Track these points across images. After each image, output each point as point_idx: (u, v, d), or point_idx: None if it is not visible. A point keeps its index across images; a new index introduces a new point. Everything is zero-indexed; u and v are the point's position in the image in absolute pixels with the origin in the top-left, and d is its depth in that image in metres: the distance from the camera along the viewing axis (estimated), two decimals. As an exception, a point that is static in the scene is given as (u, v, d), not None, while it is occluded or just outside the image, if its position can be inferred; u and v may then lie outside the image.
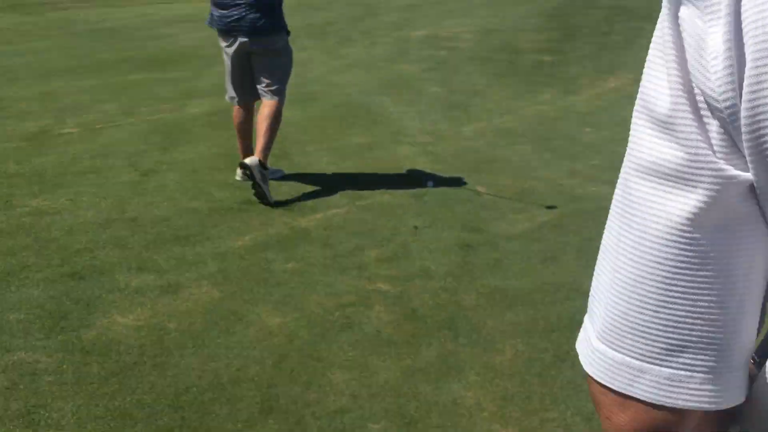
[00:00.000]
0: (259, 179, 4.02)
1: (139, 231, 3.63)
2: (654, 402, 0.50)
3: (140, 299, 2.91)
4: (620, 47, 9.21)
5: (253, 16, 4.27)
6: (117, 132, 5.72)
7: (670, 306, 0.49)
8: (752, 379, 0.51)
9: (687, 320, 0.48)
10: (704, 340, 0.48)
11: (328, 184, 4.52)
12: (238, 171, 4.55)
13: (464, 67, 8.66)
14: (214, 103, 6.85)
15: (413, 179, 4.59)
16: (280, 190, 4.35)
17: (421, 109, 6.74)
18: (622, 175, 0.55)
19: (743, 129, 0.44)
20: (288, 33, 4.45)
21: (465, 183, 4.52)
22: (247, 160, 4.08)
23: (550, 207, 4.01)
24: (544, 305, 2.89)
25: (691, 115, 0.48)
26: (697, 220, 0.47)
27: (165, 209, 3.97)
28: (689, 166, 0.48)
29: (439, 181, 4.53)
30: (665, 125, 0.50)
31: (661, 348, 0.49)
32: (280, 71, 4.47)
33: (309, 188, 4.44)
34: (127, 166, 4.76)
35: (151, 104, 6.82)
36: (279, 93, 4.42)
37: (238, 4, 4.24)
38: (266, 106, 4.38)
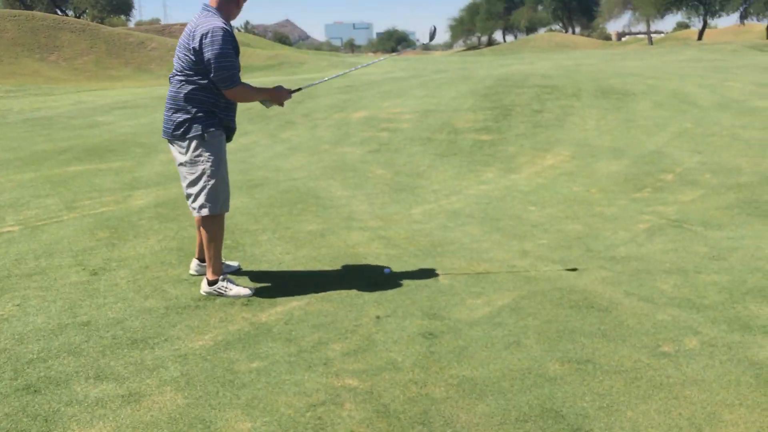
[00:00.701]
0: (222, 294, 4.06)
1: (93, 336, 3.51)
2: None
3: (101, 411, 2.79)
4: (553, 125, 9.62)
5: (166, 114, 4.04)
6: (61, 228, 5.58)
7: None
8: None
9: None
10: None
11: (285, 275, 4.50)
12: (192, 264, 4.49)
13: (406, 148, 8.87)
14: (160, 194, 6.80)
15: (369, 266, 4.62)
16: (236, 283, 4.30)
17: (369, 192, 6.85)
18: None
19: None
20: (205, 135, 3.94)
21: (421, 268, 4.57)
22: (201, 290, 4.09)
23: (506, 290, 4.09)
24: (513, 394, 2.91)
25: None
26: None
27: (119, 310, 3.86)
28: None
29: (395, 267, 4.57)
30: None
31: None
32: (195, 186, 4.03)
33: (266, 280, 4.41)
34: (74, 266, 4.63)
35: (93, 197, 6.71)
36: (201, 208, 4.03)
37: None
38: (200, 220, 4.14)
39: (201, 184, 4.00)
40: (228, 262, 4.58)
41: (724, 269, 4.41)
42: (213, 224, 4.07)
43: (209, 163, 3.98)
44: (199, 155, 3.97)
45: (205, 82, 3.91)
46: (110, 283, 4.30)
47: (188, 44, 3.86)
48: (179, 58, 3.95)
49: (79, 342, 3.44)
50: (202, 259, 4.46)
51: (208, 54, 3.80)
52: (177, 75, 3.97)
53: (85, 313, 3.81)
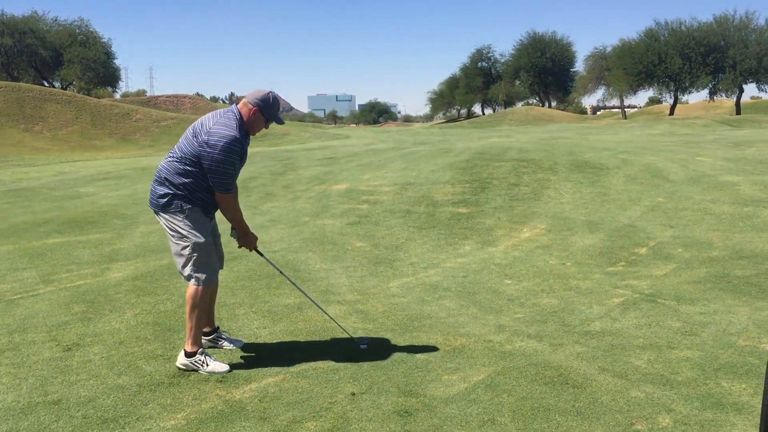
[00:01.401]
0: (198, 369, 4.04)
1: (63, 415, 3.46)
2: None
3: (68, 495, 2.74)
4: (530, 198, 9.81)
5: (153, 184, 4.19)
6: (36, 302, 5.54)
7: None
8: None
9: None
10: None
11: (261, 350, 4.49)
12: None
13: (386, 220, 8.97)
14: (139, 267, 6.79)
15: (345, 341, 4.62)
16: (214, 357, 4.27)
17: (348, 265, 6.89)
18: None
19: None
20: (185, 210, 4.03)
21: (397, 343, 4.58)
22: (178, 362, 4.09)
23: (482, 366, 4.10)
24: (488, 473, 2.90)
25: None
26: None
27: (91, 388, 3.81)
28: None
29: (372, 342, 4.57)
30: None
31: None
32: (181, 257, 4.10)
33: (242, 355, 4.39)
34: (48, 341, 4.59)
35: (71, 270, 6.68)
36: (188, 278, 4.12)
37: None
38: (187, 288, 4.18)
39: (187, 255, 4.08)
40: (233, 338, 4.61)
41: (697, 345, 4.47)
42: (196, 294, 4.09)
43: (193, 236, 4.06)
44: (183, 228, 4.06)
45: (200, 174, 4.04)
46: (84, 359, 4.26)
47: (200, 137, 3.98)
48: (187, 143, 4.06)
49: (48, 422, 3.39)
50: (206, 333, 4.48)
51: (214, 156, 3.93)
52: (177, 154, 4.08)
53: (56, 391, 3.76)
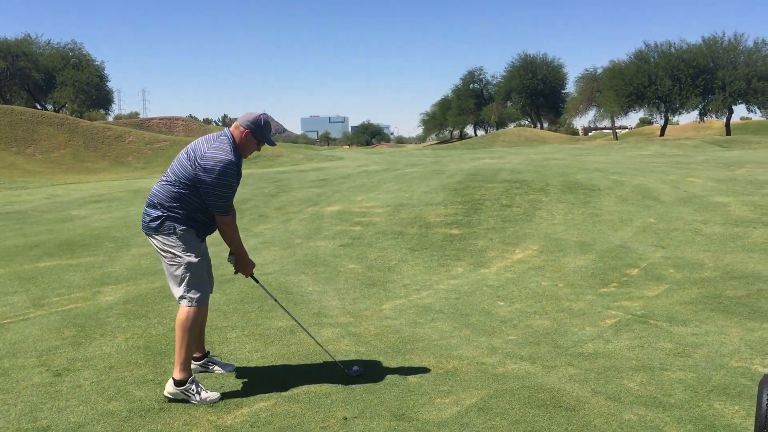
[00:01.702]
0: (188, 399, 3.98)
1: (52, 441, 3.43)
2: None
3: None
4: (522, 219, 9.84)
5: (146, 208, 4.18)
6: (26, 327, 5.50)
7: None
8: None
9: None
10: None
11: (253, 374, 4.46)
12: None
13: (378, 242, 8.97)
14: (130, 290, 6.77)
15: (338, 364, 4.60)
16: (204, 383, 4.25)
17: (340, 287, 6.88)
18: None
19: None
20: (178, 231, 4.05)
21: (390, 366, 4.56)
22: (166, 391, 4.02)
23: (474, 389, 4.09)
24: (481, 498, 2.88)
25: None
26: None
27: (80, 414, 3.78)
28: None
29: (364, 366, 4.56)
30: None
31: None
32: (174, 278, 4.11)
33: (233, 379, 4.36)
34: (38, 366, 4.55)
35: (62, 293, 6.65)
36: (181, 299, 4.09)
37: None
38: (179, 310, 4.15)
39: (180, 275, 4.06)
40: (224, 362, 4.58)
41: (689, 366, 4.47)
42: (189, 316, 4.06)
43: (186, 256, 4.06)
44: (176, 248, 4.06)
45: (193, 196, 4.05)
46: (74, 384, 4.23)
47: (195, 162, 3.99)
48: (181, 166, 4.06)
49: (37, 448, 3.36)
50: (197, 357, 4.44)
51: (211, 180, 3.95)
52: (170, 178, 4.08)
53: (45, 417, 3.72)
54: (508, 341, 5.10)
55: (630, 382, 4.22)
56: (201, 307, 4.14)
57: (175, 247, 4.05)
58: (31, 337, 5.21)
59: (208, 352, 4.59)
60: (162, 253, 4.10)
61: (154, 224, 4.07)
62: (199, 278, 4.11)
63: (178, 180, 4.03)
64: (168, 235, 4.06)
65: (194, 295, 4.08)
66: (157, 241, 4.10)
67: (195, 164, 3.99)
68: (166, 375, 4.35)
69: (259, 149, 4.31)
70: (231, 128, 4.19)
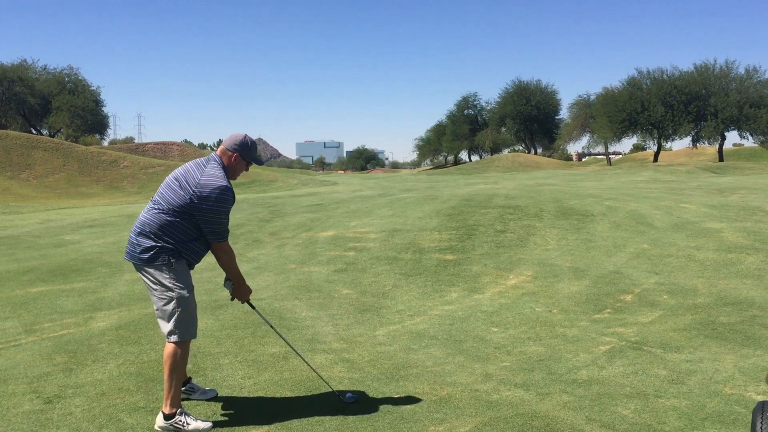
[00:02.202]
0: (179, 430, 3.93)
1: (42, 470, 3.39)
2: None
3: None
4: (516, 245, 9.85)
5: (134, 237, 4.11)
6: (17, 353, 5.46)
7: None
8: None
9: None
10: None
11: (245, 402, 4.43)
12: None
13: (372, 267, 8.96)
14: (123, 315, 6.74)
15: (332, 391, 4.57)
16: (195, 411, 4.22)
17: (334, 312, 6.86)
18: None
19: None
20: (172, 262, 4.02)
21: (383, 393, 4.54)
22: (156, 425, 3.95)
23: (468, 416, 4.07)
24: None
25: None
26: None
27: (71, 441, 3.74)
28: None
29: (358, 393, 4.53)
30: None
31: None
32: (165, 312, 4.05)
33: (226, 407, 4.33)
34: (28, 393, 4.51)
35: (54, 319, 6.61)
36: (170, 335, 4.03)
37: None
38: (165, 346, 4.09)
39: (170, 310, 4.01)
40: (206, 389, 4.53)
41: (683, 393, 4.46)
42: (177, 352, 4.01)
43: (178, 290, 4.01)
44: (169, 281, 4.01)
45: (188, 225, 4.01)
46: (64, 412, 4.19)
47: (188, 188, 3.98)
48: (174, 194, 4.02)
49: (26, 477, 3.32)
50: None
51: (209, 208, 3.96)
52: (163, 206, 4.03)
53: (35, 445, 3.68)
54: (502, 368, 5.08)
55: (624, 409, 4.20)
56: (188, 342, 4.10)
57: (168, 280, 4.01)
58: (22, 364, 5.17)
59: (190, 378, 4.53)
60: (153, 286, 4.03)
61: (145, 255, 4.00)
62: (189, 313, 4.07)
63: (171, 208, 4.00)
64: (161, 267, 4.00)
65: (184, 331, 4.03)
66: (149, 274, 4.03)
67: (190, 192, 3.97)
68: (158, 402, 4.31)
69: (247, 170, 4.34)
70: (218, 153, 4.20)
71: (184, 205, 3.98)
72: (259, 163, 4.40)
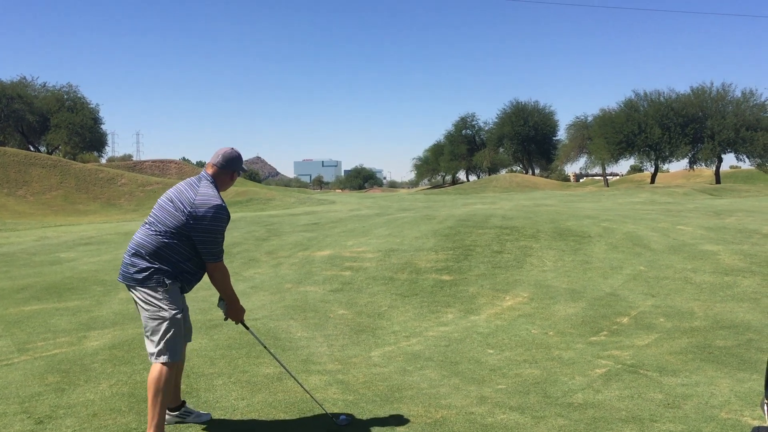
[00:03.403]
0: None
1: (31, 492, 3.35)
2: None
3: None
4: (512, 266, 9.84)
5: (129, 258, 4.10)
6: (9, 372, 5.42)
7: None
8: None
9: None
10: None
11: (239, 424, 4.39)
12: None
13: (368, 287, 8.94)
14: (116, 335, 6.70)
15: (326, 413, 4.54)
16: (187, 433, 4.18)
17: (329, 333, 6.82)
18: None
19: None
20: (167, 283, 4.01)
21: (377, 415, 4.50)
22: None
23: None
24: None
25: None
26: None
27: (61, 463, 3.70)
28: None
29: (352, 415, 4.50)
30: None
31: None
32: (155, 334, 4.01)
33: (218, 429, 4.29)
34: (19, 413, 4.47)
35: (47, 338, 6.57)
36: (159, 355, 3.98)
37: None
38: (151, 368, 4.03)
39: (162, 331, 3.96)
40: (199, 411, 4.48)
41: (679, 418, 4.43)
42: (163, 374, 3.94)
43: (171, 311, 3.98)
44: (162, 302, 3.98)
45: (184, 246, 3.99)
46: (55, 432, 4.15)
47: (183, 208, 3.96)
48: (169, 215, 4.00)
49: (14, 499, 3.27)
50: (173, 408, 4.36)
51: (205, 227, 3.95)
52: (159, 228, 4.01)
53: (24, 467, 3.64)
54: (497, 390, 5.05)
55: (620, 433, 4.17)
56: (175, 364, 4.05)
57: (160, 300, 3.98)
58: (14, 383, 5.13)
59: (184, 402, 4.48)
60: (144, 305, 4.00)
61: (140, 276, 3.98)
62: (177, 335, 4.03)
63: (168, 230, 3.97)
64: (155, 288, 3.97)
65: (171, 352, 3.97)
66: (141, 294, 4.00)
67: (186, 212, 3.96)
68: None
69: (233, 182, 4.34)
70: (207, 169, 4.19)
71: (180, 226, 3.96)
72: (243, 170, 4.42)
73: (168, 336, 3.97)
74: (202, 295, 8.51)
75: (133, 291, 4.06)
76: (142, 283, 3.98)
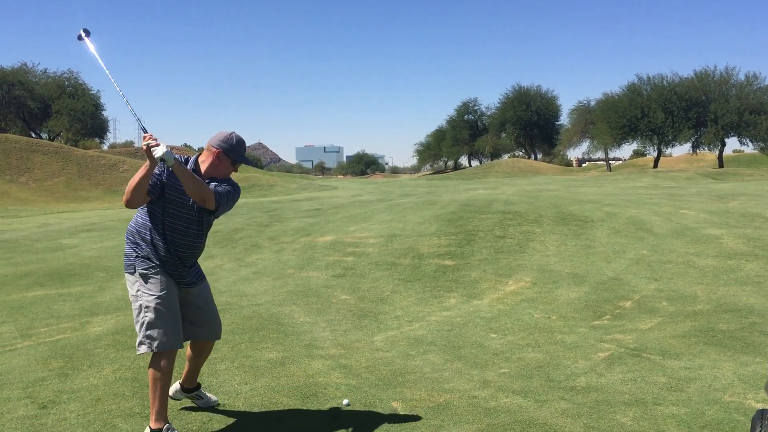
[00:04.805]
0: None
1: (35, 476, 3.36)
2: None
3: None
4: (515, 250, 9.82)
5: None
6: (13, 357, 5.43)
7: None
8: None
9: None
10: None
11: (242, 408, 4.39)
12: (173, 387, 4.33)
13: (371, 272, 8.93)
14: (119, 320, 6.71)
15: (328, 397, 4.54)
16: (189, 419, 4.19)
17: (332, 318, 6.83)
18: None
19: None
20: (137, 268, 3.91)
21: (380, 399, 4.51)
22: None
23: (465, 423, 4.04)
24: None
25: None
26: None
27: (65, 447, 3.71)
28: None
29: (355, 398, 4.50)
30: None
31: None
32: (136, 322, 3.93)
33: (221, 413, 4.30)
34: (23, 398, 4.48)
35: (51, 324, 6.58)
36: (139, 345, 3.88)
37: None
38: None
39: (139, 319, 3.87)
40: (209, 396, 4.47)
41: (682, 401, 4.43)
42: (158, 364, 3.83)
43: (143, 296, 3.86)
44: (135, 287, 3.91)
45: (149, 213, 3.94)
46: (59, 417, 4.16)
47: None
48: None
49: (19, 483, 3.29)
50: (189, 389, 4.37)
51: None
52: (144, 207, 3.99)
53: (28, 451, 3.65)
54: (500, 374, 5.05)
55: (623, 417, 4.17)
56: (167, 353, 3.84)
57: (134, 285, 3.90)
58: (17, 368, 5.14)
59: (199, 385, 4.47)
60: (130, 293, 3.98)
61: (125, 262, 3.99)
62: (159, 320, 3.83)
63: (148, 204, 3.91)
64: (130, 273, 3.92)
65: (152, 340, 3.81)
66: (127, 282, 3.99)
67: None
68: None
69: (235, 169, 4.18)
70: (204, 151, 4.10)
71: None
72: (248, 162, 4.31)
73: (145, 322, 3.85)
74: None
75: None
76: (126, 269, 4.03)
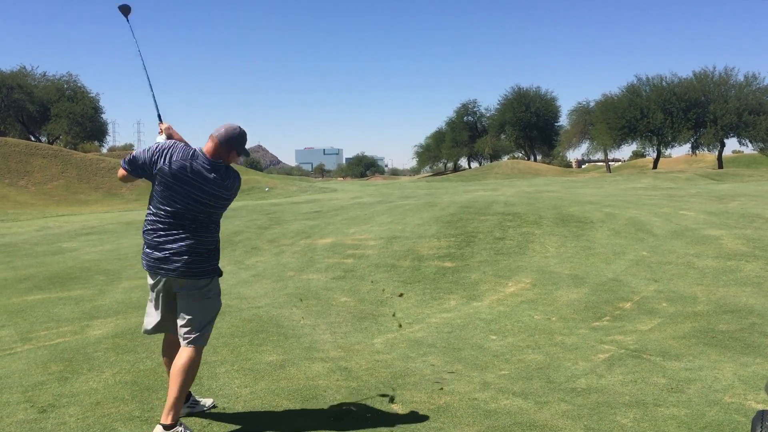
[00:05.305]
0: None
1: (35, 480, 3.35)
2: None
3: None
4: (514, 252, 9.82)
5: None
6: (12, 361, 5.42)
7: None
8: None
9: None
10: None
11: (242, 411, 4.39)
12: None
13: (371, 274, 8.93)
14: (119, 323, 6.70)
15: (328, 400, 4.54)
16: (189, 423, 4.18)
17: (332, 320, 6.82)
18: None
19: None
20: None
21: (380, 402, 4.50)
22: None
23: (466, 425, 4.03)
24: None
25: None
26: None
27: (65, 451, 3.70)
28: None
29: (355, 401, 4.50)
30: None
31: None
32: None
33: (221, 417, 4.29)
34: (23, 402, 4.48)
35: (50, 327, 6.58)
36: (203, 339, 4.15)
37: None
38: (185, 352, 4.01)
39: (211, 318, 4.21)
40: (202, 401, 4.45)
41: (683, 402, 4.43)
42: (201, 356, 4.09)
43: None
44: (219, 290, 4.30)
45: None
46: (58, 421, 4.15)
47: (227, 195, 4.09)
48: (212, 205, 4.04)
49: (18, 488, 3.28)
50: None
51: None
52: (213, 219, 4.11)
53: (28, 455, 3.64)
54: (500, 376, 5.05)
55: (623, 418, 4.17)
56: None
57: (218, 285, 4.29)
58: (17, 372, 5.13)
59: (190, 393, 4.44)
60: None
61: (212, 267, 4.18)
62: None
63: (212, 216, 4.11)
64: (219, 275, 4.25)
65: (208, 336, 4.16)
66: (208, 282, 4.19)
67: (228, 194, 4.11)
68: (153, 412, 4.28)
69: (238, 160, 4.30)
70: (207, 143, 4.13)
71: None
72: (246, 154, 4.35)
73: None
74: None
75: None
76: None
